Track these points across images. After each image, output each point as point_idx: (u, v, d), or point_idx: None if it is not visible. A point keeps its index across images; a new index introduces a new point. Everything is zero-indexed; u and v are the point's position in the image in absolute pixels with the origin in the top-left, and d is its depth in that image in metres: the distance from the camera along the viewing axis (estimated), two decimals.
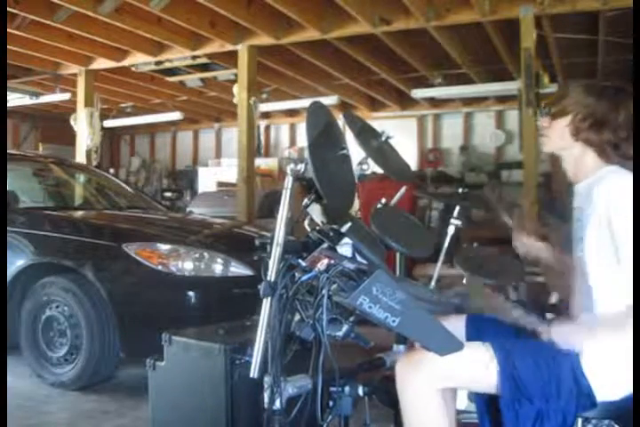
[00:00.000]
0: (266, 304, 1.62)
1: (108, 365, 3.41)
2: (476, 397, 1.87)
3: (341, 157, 1.77)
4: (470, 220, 2.64)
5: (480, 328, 1.87)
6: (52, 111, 10.80)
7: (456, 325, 1.87)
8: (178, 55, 7.17)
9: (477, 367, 1.65)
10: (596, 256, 1.64)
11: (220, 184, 9.82)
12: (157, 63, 7.55)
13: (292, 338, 1.67)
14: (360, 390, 1.85)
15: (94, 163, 7.56)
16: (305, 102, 7.78)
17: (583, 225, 1.68)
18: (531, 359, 1.63)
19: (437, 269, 2.42)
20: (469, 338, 1.86)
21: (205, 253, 3.46)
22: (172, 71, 8.17)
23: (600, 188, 1.61)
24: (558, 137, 1.76)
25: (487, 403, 1.82)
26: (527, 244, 2.02)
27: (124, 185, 5.58)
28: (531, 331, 1.67)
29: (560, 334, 1.60)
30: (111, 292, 3.33)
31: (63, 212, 4.33)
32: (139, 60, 7.41)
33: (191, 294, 3.31)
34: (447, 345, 1.45)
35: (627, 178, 1.61)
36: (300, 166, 1.63)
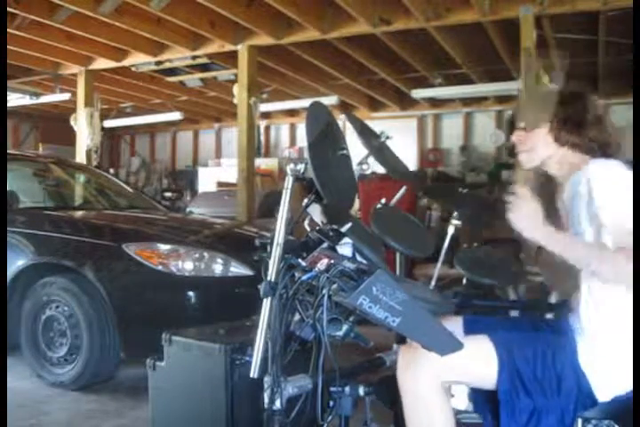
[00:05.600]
0: (266, 304, 1.62)
1: (108, 365, 3.41)
2: (475, 396, 1.87)
3: (341, 157, 1.77)
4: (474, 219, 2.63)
5: (477, 330, 1.87)
6: (52, 111, 10.81)
7: (453, 326, 1.87)
8: (178, 55, 7.18)
9: (478, 360, 1.66)
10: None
11: (220, 184, 9.82)
12: (157, 63, 7.56)
13: (291, 338, 1.67)
14: (360, 390, 1.84)
15: (94, 163, 7.57)
16: (305, 102, 7.78)
17: (573, 216, 1.67)
18: (530, 352, 1.63)
19: (437, 269, 2.43)
20: None
21: (205, 253, 3.46)
22: (172, 71, 8.18)
23: (582, 178, 1.61)
24: (543, 146, 1.75)
25: (487, 402, 1.81)
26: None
27: (123, 185, 5.57)
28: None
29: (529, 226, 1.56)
30: (111, 292, 3.33)
31: (63, 212, 4.32)
32: (139, 60, 7.42)
33: (191, 294, 3.31)
34: (448, 345, 1.45)
35: (608, 165, 1.61)
36: (300, 166, 1.63)
